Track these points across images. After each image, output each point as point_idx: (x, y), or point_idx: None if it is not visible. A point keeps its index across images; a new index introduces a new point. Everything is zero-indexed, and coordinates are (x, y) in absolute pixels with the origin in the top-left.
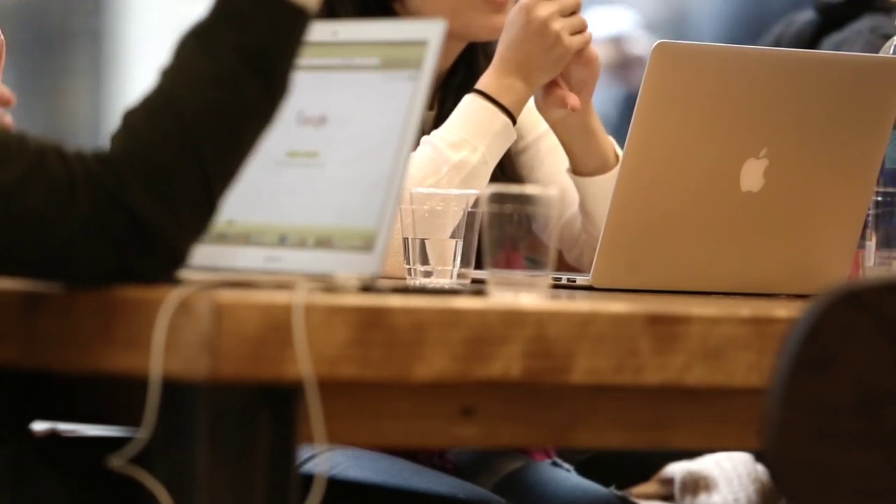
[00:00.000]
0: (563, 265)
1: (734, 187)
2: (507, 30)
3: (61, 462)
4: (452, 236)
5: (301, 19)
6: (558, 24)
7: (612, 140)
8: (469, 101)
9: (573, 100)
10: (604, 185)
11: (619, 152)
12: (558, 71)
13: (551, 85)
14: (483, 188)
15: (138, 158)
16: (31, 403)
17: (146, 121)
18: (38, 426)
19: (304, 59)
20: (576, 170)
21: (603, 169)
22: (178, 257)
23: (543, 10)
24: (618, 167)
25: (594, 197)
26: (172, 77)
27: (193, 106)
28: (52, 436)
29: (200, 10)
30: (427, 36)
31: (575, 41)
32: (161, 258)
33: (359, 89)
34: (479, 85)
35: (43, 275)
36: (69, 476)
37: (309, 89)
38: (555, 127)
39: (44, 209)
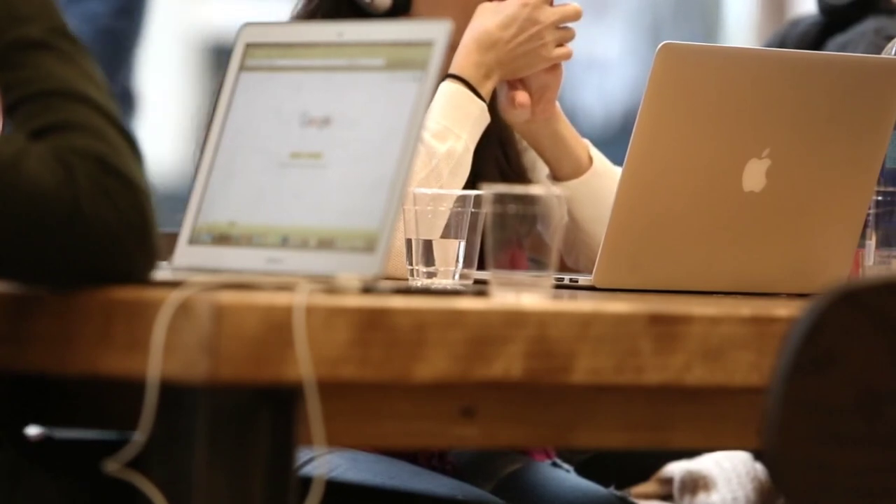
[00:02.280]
0: (563, 268)
1: (737, 187)
2: (501, 14)
3: (57, 466)
4: (455, 237)
5: None
6: (550, 36)
7: (586, 142)
8: (446, 88)
9: (521, 97)
10: (579, 189)
11: (594, 154)
12: (523, 75)
13: (509, 85)
14: (466, 174)
15: (78, 125)
16: (26, 407)
17: (48, 102)
18: (33, 430)
19: (309, 59)
20: (552, 175)
21: (577, 173)
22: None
23: (545, 16)
24: (591, 170)
25: (572, 201)
26: (30, 75)
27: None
28: (48, 440)
29: (203, 11)
30: (433, 36)
31: (555, 53)
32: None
33: (364, 90)
34: (457, 69)
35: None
36: (65, 480)
37: (313, 90)
38: (523, 134)
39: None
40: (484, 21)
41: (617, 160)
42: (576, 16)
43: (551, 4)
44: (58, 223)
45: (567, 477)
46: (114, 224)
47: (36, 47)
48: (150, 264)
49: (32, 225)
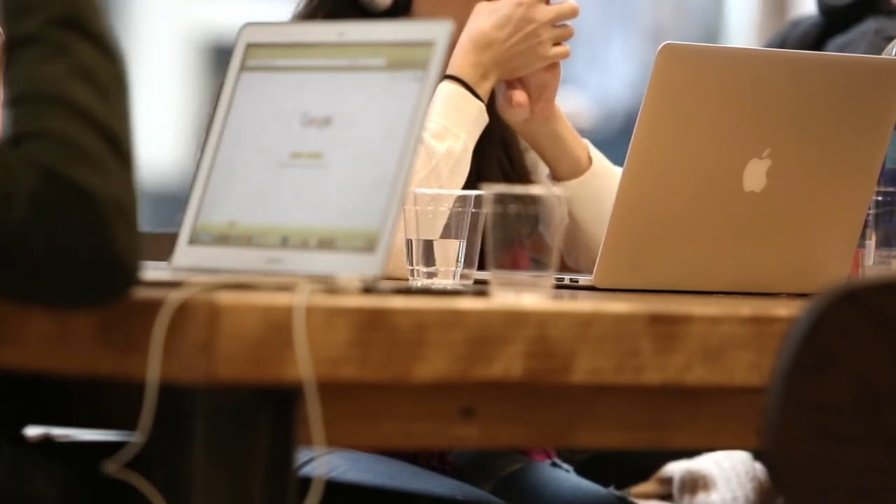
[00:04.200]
0: (563, 268)
1: (737, 187)
2: (497, 14)
3: (56, 467)
4: (455, 237)
5: None
6: (547, 34)
7: (586, 143)
8: (444, 89)
9: (518, 96)
10: (578, 189)
11: (594, 154)
12: (521, 74)
13: (507, 84)
14: (466, 174)
15: (42, 133)
16: (25, 407)
17: (25, 107)
18: (33, 431)
19: (310, 59)
20: (552, 175)
21: (576, 173)
22: (123, 220)
23: (541, 15)
24: (591, 170)
25: (572, 201)
26: (17, 76)
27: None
28: (47, 440)
29: (203, 11)
30: (433, 36)
31: (552, 52)
32: (106, 220)
33: (364, 90)
34: (454, 70)
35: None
36: (64, 481)
37: (314, 90)
38: (522, 134)
39: None
40: (479, 21)
41: (617, 160)
42: (572, 13)
43: (547, 3)
44: None
45: (567, 477)
46: (59, 242)
47: (27, 43)
48: (115, 281)
49: None
